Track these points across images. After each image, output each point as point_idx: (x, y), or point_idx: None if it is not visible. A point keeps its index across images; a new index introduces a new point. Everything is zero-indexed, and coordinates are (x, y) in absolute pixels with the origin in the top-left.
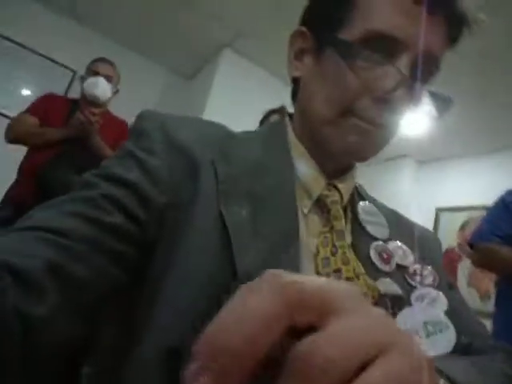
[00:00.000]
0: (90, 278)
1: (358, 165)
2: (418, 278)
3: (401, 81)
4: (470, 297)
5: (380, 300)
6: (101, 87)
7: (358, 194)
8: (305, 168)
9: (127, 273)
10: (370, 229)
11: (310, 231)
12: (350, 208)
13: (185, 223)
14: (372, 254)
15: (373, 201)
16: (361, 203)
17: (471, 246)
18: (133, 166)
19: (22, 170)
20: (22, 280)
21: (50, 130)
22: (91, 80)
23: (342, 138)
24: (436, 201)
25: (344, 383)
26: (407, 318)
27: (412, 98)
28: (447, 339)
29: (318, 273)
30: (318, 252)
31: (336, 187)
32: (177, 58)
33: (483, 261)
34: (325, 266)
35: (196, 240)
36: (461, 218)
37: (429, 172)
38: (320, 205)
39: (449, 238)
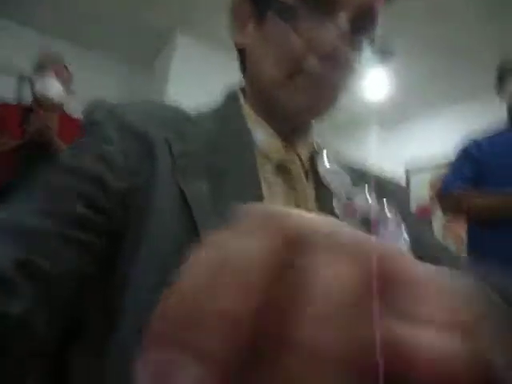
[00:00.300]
0: (60, 271)
1: (321, 137)
2: (381, 227)
3: (342, 36)
4: None
5: None
6: (51, 87)
7: (319, 153)
8: (262, 135)
9: (97, 262)
10: (332, 186)
11: (274, 195)
12: (312, 168)
13: (147, 206)
14: (336, 209)
15: (333, 157)
16: (322, 161)
17: (440, 197)
18: (89, 156)
19: None
20: None
21: (5, 144)
22: (41, 81)
23: (293, 98)
24: (404, 163)
25: None
26: None
27: (355, 52)
28: None
29: None
30: None
31: (295, 149)
32: (129, 49)
33: (452, 209)
34: None
35: (159, 221)
36: (430, 175)
37: (394, 135)
38: (281, 169)
39: (420, 197)
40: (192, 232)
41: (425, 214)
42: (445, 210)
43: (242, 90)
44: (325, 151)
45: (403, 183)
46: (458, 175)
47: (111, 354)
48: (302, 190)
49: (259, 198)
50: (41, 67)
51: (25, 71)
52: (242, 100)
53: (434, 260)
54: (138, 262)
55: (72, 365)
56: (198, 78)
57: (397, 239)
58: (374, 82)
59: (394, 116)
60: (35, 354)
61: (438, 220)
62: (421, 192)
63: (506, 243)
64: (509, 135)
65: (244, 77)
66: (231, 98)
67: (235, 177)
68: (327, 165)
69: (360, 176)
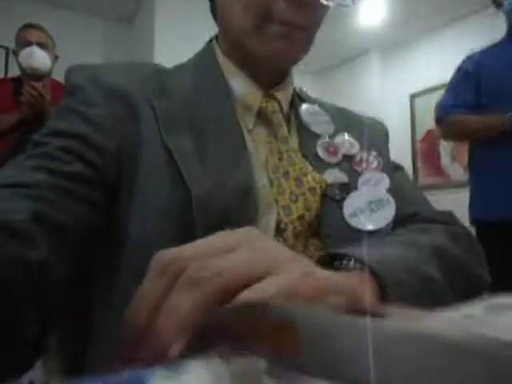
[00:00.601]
0: (70, 223)
1: (323, 72)
2: (364, 164)
3: None
4: (455, 171)
5: (328, 189)
6: (37, 57)
7: (300, 99)
8: (240, 85)
9: (100, 216)
10: (314, 128)
11: (258, 144)
12: (294, 113)
13: (136, 162)
14: (319, 150)
15: (314, 102)
16: (303, 106)
17: (439, 121)
18: (76, 119)
19: None
20: (12, 232)
21: (2, 119)
22: (25, 52)
23: (266, 45)
24: (408, 87)
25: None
26: (354, 201)
27: None
28: (388, 213)
29: (269, 179)
30: (267, 161)
31: (274, 97)
32: (110, 5)
33: (451, 133)
34: (274, 172)
35: (148, 176)
36: (435, 98)
37: (395, 60)
38: (262, 117)
39: (427, 121)
40: (179, 183)
41: (433, 141)
42: (443, 135)
43: (217, 38)
44: (307, 95)
45: (407, 108)
46: (456, 97)
47: (114, 299)
48: (283, 137)
49: (242, 147)
50: (22, 38)
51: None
52: (218, 50)
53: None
54: (133, 212)
55: (83, 305)
56: (185, 28)
57: (379, 179)
58: (370, 7)
59: (395, 40)
60: (52, 298)
61: (446, 143)
62: (426, 116)
63: (507, 160)
64: (506, 46)
65: (217, 24)
66: (208, 50)
67: (216, 129)
68: (308, 107)
69: (340, 116)
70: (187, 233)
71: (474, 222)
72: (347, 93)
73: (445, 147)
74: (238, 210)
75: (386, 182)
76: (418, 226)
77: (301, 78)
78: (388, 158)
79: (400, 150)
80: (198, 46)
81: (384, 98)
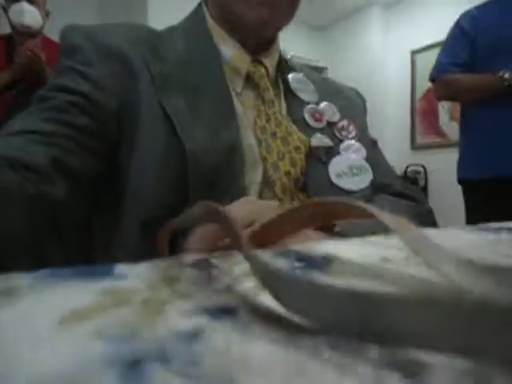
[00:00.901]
0: (81, 169)
1: (324, 27)
2: (344, 132)
3: None
4: (452, 130)
5: (314, 151)
6: (27, 14)
7: (288, 67)
8: (229, 50)
9: (103, 165)
10: (301, 95)
11: (246, 106)
12: (281, 79)
13: (136, 119)
14: (306, 116)
15: (301, 70)
16: (291, 74)
17: (433, 80)
18: (77, 78)
19: None
20: (35, 172)
21: None
22: (15, 8)
23: (252, 11)
24: (410, 43)
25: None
26: (338, 164)
27: None
28: (366, 178)
29: (258, 139)
30: (256, 122)
31: (261, 62)
32: None
33: (444, 93)
34: (263, 133)
35: (146, 133)
36: (436, 53)
37: (398, 14)
38: (250, 81)
39: (427, 78)
40: (174, 138)
41: (431, 99)
42: (437, 95)
43: (206, 3)
44: (294, 63)
45: (408, 65)
46: (451, 55)
47: (115, 241)
48: (270, 100)
49: (231, 108)
50: None
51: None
52: (207, 15)
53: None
54: (132, 164)
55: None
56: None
57: (358, 148)
58: None
59: None
60: (68, 233)
61: (444, 102)
62: (427, 73)
63: (499, 120)
64: (504, 1)
65: None
66: (197, 14)
67: (207, 91)
68: (295, 75)
69: (324, 85)
70: (181, 183)
71: (461, 180)
72: (348, 48)
73: (443, 106)
74: (227, 164)
75: (363, 151)
76: (389, 198)
77: (301, 33)
78: (366, 129)
79: (399, 108)
80: (189, 10)
81: (385, 53)
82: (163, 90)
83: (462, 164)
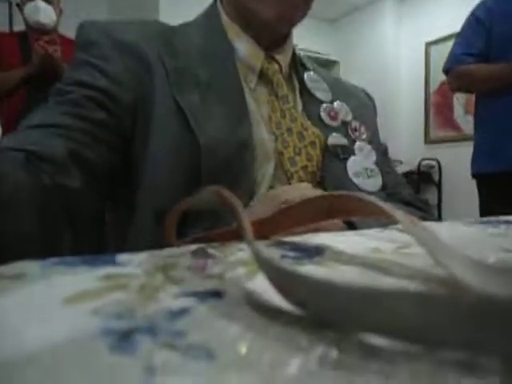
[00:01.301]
0: (97, 161)
1: (337, 19)
2: (356, 133)
3: None
4: (467, 124)
5: (331, 148)
6: (43, 12)
7: (302, 65)
8: (243, 46)
9: (118, 159)
10: (317, 94)
11: (260, 102)
12: (297, 77)
13: (150, 114)
14: (322, 114)
15: (314, 69)
16: (306, 73)
17: (447, 72)
18: (94, 73)
19: (1, 123)
20: (52, 164)
21: (10, 74)
22: (30, 6)
23: (267, 7)
24: (424, 35)
25: None
26: (355, 163)
27: None
28: (378, 182)
29: (274, 134)
30: (270, 118)
31: (275, 59)
32: None
33: (459, 84)
34: (278, 128)
35: (160, 127)
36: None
37: (411, 7)
38: (264, 78)
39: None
40: (187, 132)
41: (446, 92)
42: (452, 86)
43: (221, 0)
44: (307, 61)
45: (422, 57)
46: (466, 45)
47: (131, 227)
48: (283, 96)
49: (243, 104)
50: None
51: None
52: (222, 12)
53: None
54: (147, 158)
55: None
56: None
57: (369, 151)
58: None
59: None
60: (86, 223)
61: (459, 95)
62: (441, 65)
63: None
64: None
65: None
66: (212, 11)
67: (220, 87)
68: (310, 74)
69: (335, 85)
70: (194, 175)
71: (475, 175)
72: (360, 41)
73: (458, 99)
74: (238, 158)
75: (373, 155)
76: (398, 205)
77: (315, 26)
78: (376, 131)
79: (412, 102)
80: (200, 7)
81: (398, 46)
82: (177, 84)
83: (475, 158)
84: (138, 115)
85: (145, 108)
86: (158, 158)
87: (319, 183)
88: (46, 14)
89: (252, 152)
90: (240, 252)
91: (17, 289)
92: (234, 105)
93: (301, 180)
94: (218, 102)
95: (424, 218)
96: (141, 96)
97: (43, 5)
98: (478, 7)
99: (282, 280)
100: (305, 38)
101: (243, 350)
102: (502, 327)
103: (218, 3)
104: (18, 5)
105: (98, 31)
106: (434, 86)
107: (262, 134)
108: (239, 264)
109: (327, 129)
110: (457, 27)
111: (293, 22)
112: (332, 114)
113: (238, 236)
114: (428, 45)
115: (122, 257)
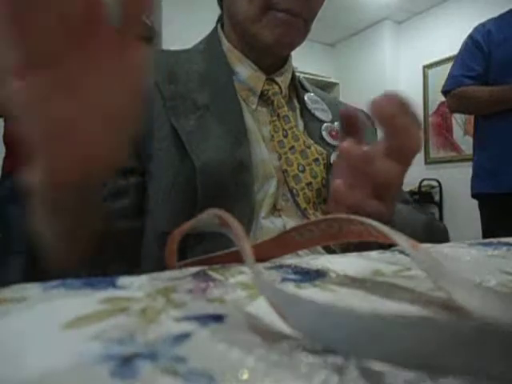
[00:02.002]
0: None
1: (336, 43)
2: None
3: None
4: (467, 145)
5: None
6: None
7: (302, 87)
8: (244, 70)
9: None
10: (318, 114)
11: (261, 122)
12: (297, 99)
13: (150, 141)
14: (324, 133)
15: (313, 90)
16: (306, 95)
17: (446, 93)
18: None
19: (7, 142)
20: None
21: None
22: None
23: (269, 31)
24: (422, 58)
25: None
26: None
27: None
28: None
29: (277, 152)
30: (273, 137)
31: (275, 81)
32: None
33: (458, 105)
34: (282, 147)
35: (158, 155)
36: (448, 69)
37: (409, 30)
38: (264, 99)
39: (439, 92)
40: (184, 156)
41: (445, 113)
42: (452, 108)
43: (222, 26)
44: (306, 83)
45: (420, 80)
46: (465, 68)
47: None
48: (284, 116)
49: (241, 127)
50: None
51: None
52: (223, 38)
53: None
54: (151, 184)
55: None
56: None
57: None
58: None
59: (408, 10)
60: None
61: (458, 116)
62: (439, 88)
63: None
64: None
65: (222, 11)
66: (213, 37)
67: (218, 109)
68: (309, 95)
69: (334, 105)
70: (190, 200)
71: (475, 195)
72: (359, 64)
73: (458, 121)
74: (236, 179)
75: None
76: (406, 206)
77: (316, 50)
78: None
79: None
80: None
81: (397, 68)
82: (173, 109)
83: (475, 179)
84: (145, 144)
85: (145, 142)
86: (158, 182)
87: (325, 200)
88: None
89: (251, 173)
90: (241, 275)
91: (18, 312)
92: (232, 125)
93: (306, 197)
94: (217, 123)
95: (434, 223)
96: (142, 131)
97: None
98: (477, 30)
99: (283, 304)
100: (306, 62)
101: (244, 376)
102: (502, 352)
103: (219, 29)
104: None
105: None
106: (432, 108)
107: (263, 154)
108: (240, 287)
109: (329, 147)
110: (454, 50)
111: (293, 45)
112: (333, 133)
113: (238, 259)
114: (426, 67)
115: (123, 279)
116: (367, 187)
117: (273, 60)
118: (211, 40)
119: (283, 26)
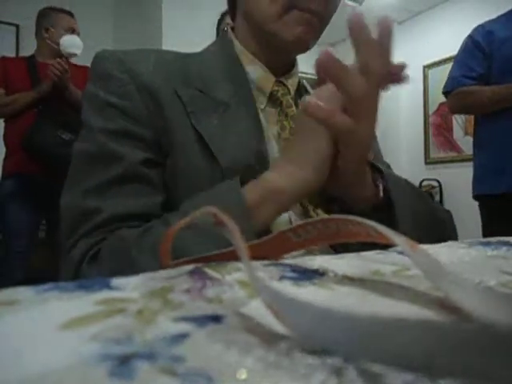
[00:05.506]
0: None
1: (335, 43)
2: None
3: None
4: (467, 145)
5: None
6: (77, 45)
7: (305, 89)
8: (255, 71)
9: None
10: None
11: (270, 121)
12: (300, 99)
13: (171, 145)
14: None
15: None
16: (309, 92)
17: (446, 94)
18: (116, 116)
19: (7, 143)
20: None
21: (21, 96)
22: (69, 39)
23: (290, 29)
24: (422, 58)
25: None
26: None
27: None
28: None
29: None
30: (280, 135)
31: (283, 83)
32: None
33: (458, 106)
34: None
35: (182, 155)
36: (448, 69)
37: (409, 30)
38: (273, 100)
39: (440, 93)
40: (210, 157)
41: (445, 113)
42: (452, 108)
43: (233, 29)
44: (309, 86)
45: (420, 80)
46: (465, 68)
47: None
48: (292, 115)
49: (258, 124)
50: (66, 23)
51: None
52: (234, 39)
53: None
54: (175, 185)
55: None
56: (190, 12)
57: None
58: None
59: (408, 10)
60: None
61: (459, 116)
62: (439, 88)
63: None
64: None
65: (236, 16)
66: (225, 39)
67: (237, 109)
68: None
69: None
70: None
71: (476, 196)
72: None
73: (458, 120)
74: (258, 174)
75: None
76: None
77: (314, 49)
78: (379, 151)
79: (412, 123)
80: (202, 26)
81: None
82: (195, 113)
83: (476, 180)
84: (163, 147)
85: (166, 142)
86: (184, 184)
87: (328, 198)
88: (78, 47)
89: (268, 168)
90: (237, 272)
91: (11, 315)
92: (251, 125)
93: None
94: (236, 124)
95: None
96: (160, 129)
97: (78, 40)
98: (477, 31)
99: (280, 307)
100: (306, 61)
101: (242, 376)
102: (502, 354)
103: (230, 31)
104: (46, 29)
105: (115, 62)
106: (432, 108)
107: (274, 152)
108: (237, 285)
109: None
110: (454, 50)
111: (310, 44)
112: None
113: (234, 258)
114: (426, 67)
115: (117, 280)
116: (339, 103)
117: (284, 62)
118: (223, 42)
119: (305, 25)
